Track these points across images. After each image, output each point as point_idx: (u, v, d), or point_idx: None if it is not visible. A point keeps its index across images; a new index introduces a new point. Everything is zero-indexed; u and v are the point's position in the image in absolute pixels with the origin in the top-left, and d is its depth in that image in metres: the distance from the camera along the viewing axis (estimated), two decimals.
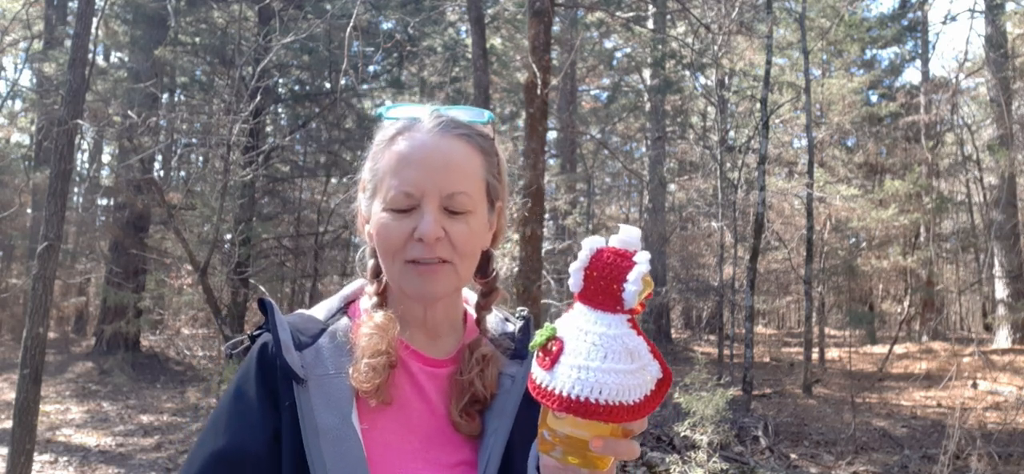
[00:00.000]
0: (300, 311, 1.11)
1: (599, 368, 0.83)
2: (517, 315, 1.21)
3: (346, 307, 1.13)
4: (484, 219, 1.07)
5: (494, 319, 1.17)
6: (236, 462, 0.98)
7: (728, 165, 14.05)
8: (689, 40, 13.77)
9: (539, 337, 0.88)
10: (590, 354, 0.83)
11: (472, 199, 1.04)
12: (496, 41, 14.82)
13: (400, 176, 1.02)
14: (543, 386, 0.86)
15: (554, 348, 0.86)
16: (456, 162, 1.03)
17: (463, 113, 1.09)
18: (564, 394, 0.83)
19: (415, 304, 1.07)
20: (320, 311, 1.11)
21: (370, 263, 1.12)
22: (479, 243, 1.07)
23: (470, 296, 1.18)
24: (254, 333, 1.09)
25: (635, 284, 0.83)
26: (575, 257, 0.88)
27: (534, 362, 0.89)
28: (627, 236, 0.86)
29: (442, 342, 1.10)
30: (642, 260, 0.84)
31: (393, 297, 1.09)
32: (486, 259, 1.14)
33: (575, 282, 0.87)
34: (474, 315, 1.15)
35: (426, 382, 1.06)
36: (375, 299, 1.09)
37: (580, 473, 0.89)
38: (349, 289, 1.16)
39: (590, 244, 0.87)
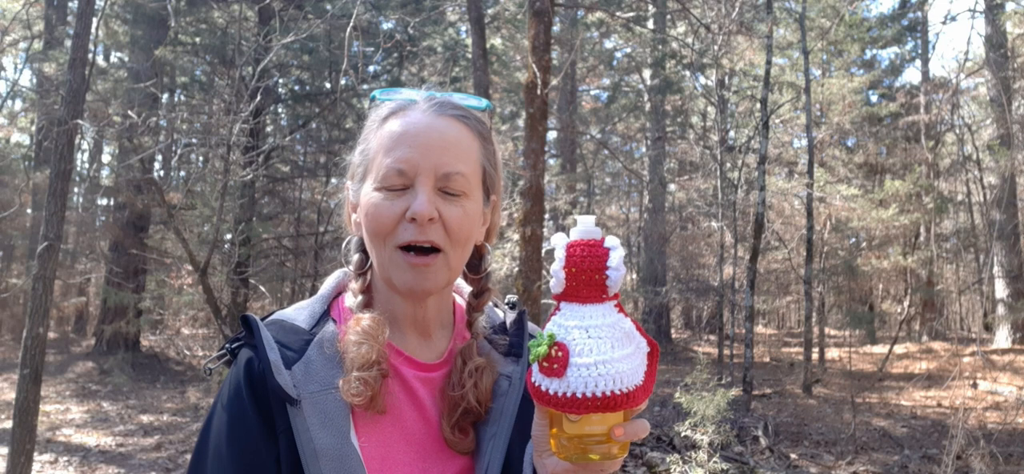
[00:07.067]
0: (278, 317, 1.02)
1: (612, 359, 0.81)
2: (507, 302, 1.15)
3: (328, 308, 1.05)
4: (479, 207, 1.02)
5: (484, 310, 1.11)
6: None
7: (728, 165, 14.05)
8: (689, 40, 13.77)
9: (539, 348, 0.84)
10: (599, 349, 0.81)
11: (468, 181, 0.99)
12: (496, 41, 14.81)
13: (393, 154, 0.97)
14: (559, 394, 0.82)
15: (560, 354, 0.82)
16: (452, 142, 0.98)
17: (461, 98, 1.05)
18: (586, 394, 0.80)
19: (403, 300, 1.01)
20: (302, 317, 1.02)
21: (355, 257, 1.06)
22: (472, 231, 1.01)
23: (462, 286, 1.13)
24: (232, 346, 1.01)
25: (618, 269, 0.82)
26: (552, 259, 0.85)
27: (537, 373, 0.84)
28: (585, 226, 0.84)
29: (433, 341, 1.05)
30: (615, 244, 0.83)
31: (380, 294, 1.03)
32: (478, 256, 1.09)
33: (558, 283, 0.84)
34: (465, 312, 1.10)
35: (420, 387, 1.01)
36: (360, 297, 1.02)
37: (602, 466, 0.87)
38: (328, 286, 1.08)
39: (561, 242, 0.84)
